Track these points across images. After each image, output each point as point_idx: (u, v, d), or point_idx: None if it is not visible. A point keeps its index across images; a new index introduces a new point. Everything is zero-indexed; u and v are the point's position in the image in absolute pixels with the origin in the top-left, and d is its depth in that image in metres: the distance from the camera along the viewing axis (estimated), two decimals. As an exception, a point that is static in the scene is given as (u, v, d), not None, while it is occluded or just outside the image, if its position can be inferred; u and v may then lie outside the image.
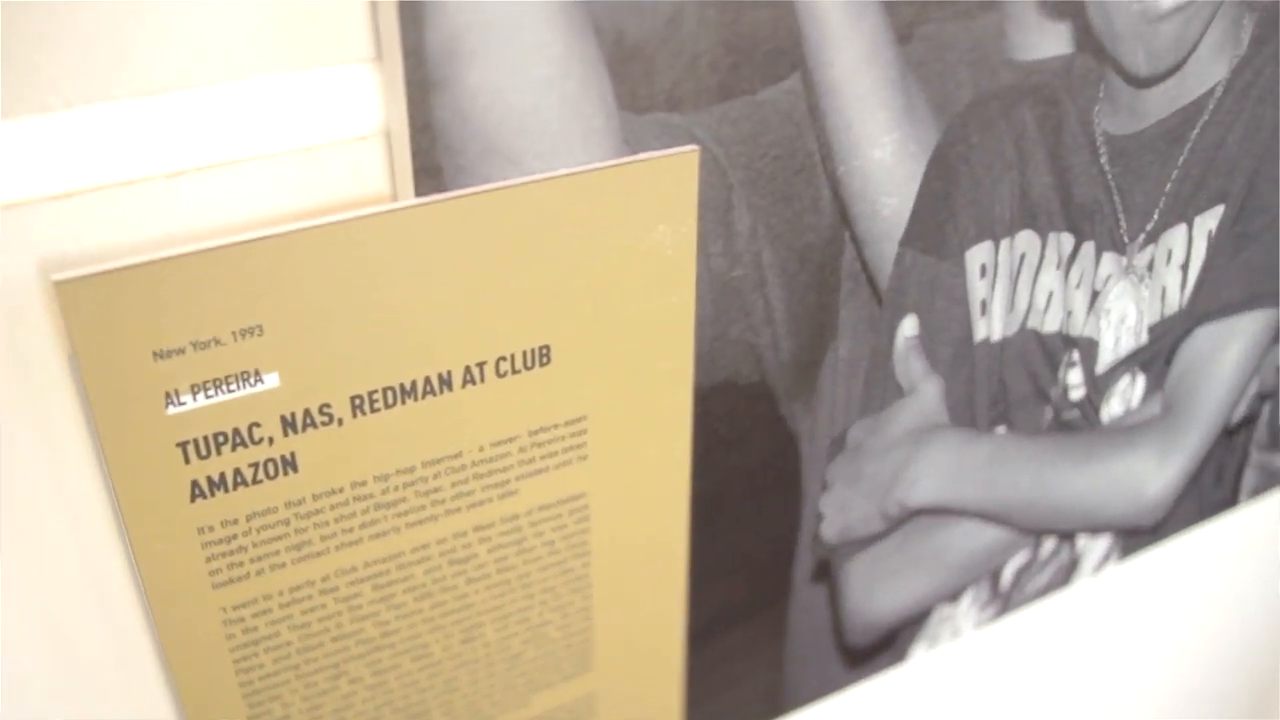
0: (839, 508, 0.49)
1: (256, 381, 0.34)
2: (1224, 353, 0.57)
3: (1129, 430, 0.56)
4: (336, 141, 0.34)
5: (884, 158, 0.42)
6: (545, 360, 0.38)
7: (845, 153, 0.41)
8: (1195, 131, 0.49)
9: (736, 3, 0.36)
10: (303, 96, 0.33)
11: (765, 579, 0.49)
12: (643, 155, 0.36)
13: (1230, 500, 0.64)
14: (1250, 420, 0.61)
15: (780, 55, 0.38)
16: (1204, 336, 0.56)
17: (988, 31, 0.42)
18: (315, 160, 0.34)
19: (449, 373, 0.37)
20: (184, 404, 0.33)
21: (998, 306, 0.48)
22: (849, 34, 0.39)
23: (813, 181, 0.41)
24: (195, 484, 0.34)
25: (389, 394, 0.36)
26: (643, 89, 0.36)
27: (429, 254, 0.34)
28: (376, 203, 0.36)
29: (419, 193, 0.34)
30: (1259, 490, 0.65)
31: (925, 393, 0.48)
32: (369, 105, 0.34)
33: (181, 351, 0.33)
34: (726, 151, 0.39)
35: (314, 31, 0.33)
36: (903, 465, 0.49)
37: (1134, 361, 0.54)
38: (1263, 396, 0.61)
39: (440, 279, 0.35)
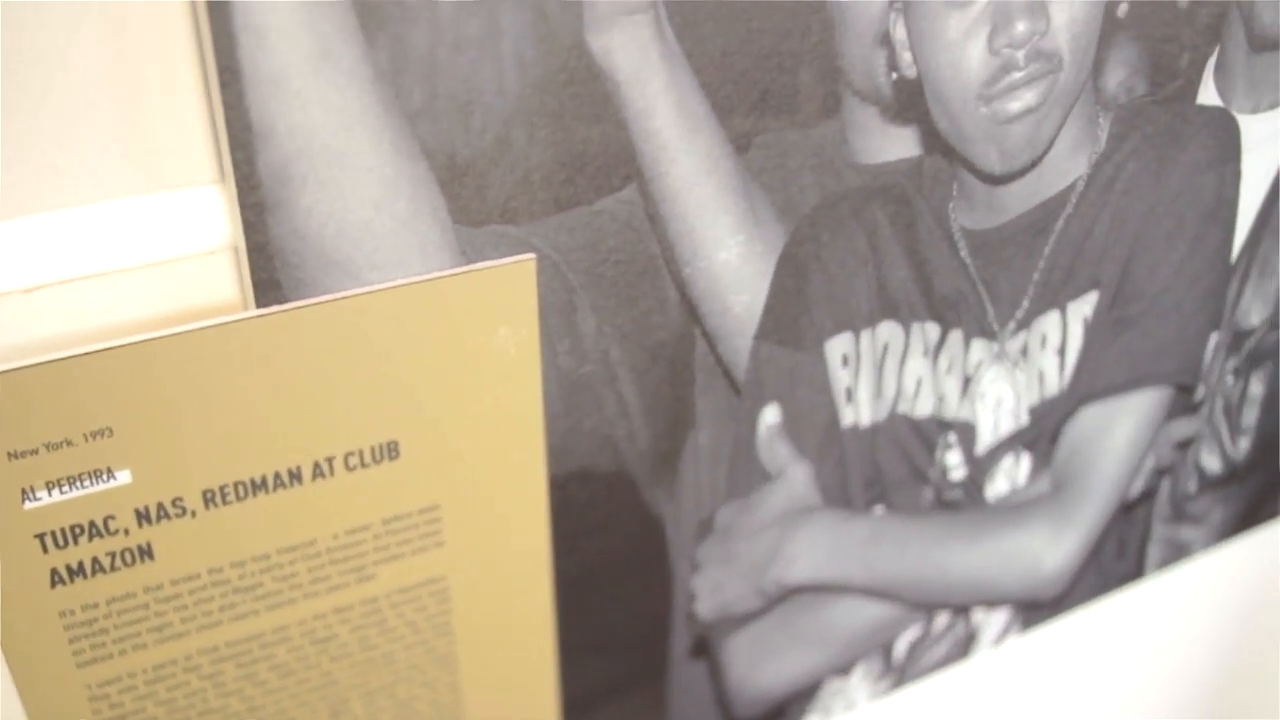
0: (712, 587, 0.51)
1: (109, 478, 0.37)
2: (1114, 429, 0.58)
3: (1018, 508, 0.58)
4: (188, 255, 0.37)
5: (730, 259, 0.44)
6: (394, 455, 0.40)
7: (690, 255, 0.43)
8: (1059, 223, 0.51)
9: (566, 122, 0.39)
10: (154, 216, 0.36)
11: (641, 655, 0.51)
12: (478, 265, 0.39)
13: (1136, 573, 0.65)
14: (1149, 495, 0.62)
15: (614, 169, 0.40)
16: (1089, 416, 0.57)
17: (829, 139, 0.44)
18: (169, 273, 0.37)
19: (299, 467, 0.39)
20: (40, 499, 0.36)
21: (864, 393, 0.50)
22: (684, 148, 0.41)
23: (658, 283, 0.43)
24: (55, 572, 0.37)
25: (240, 488, 0.39)
26: (476, 204, 0.39)
27: (269, 360, 0.37)
28: (228, 311, 0.38)
29: (259, 304, 0.37)
30: (1166, 562, 0.66)
31: (793, 476, 0.50)
32: (216, 223, 0.37)
33: (35, 452, 0.35)
34: (566, 258, 0.41)
35: (162, 157, 0.36)
36: (777, 545, 0.51)
37: (1017, 442, 0.56)
38: (1160, 471, 0.62)
39: (284, 382, 0.38)
